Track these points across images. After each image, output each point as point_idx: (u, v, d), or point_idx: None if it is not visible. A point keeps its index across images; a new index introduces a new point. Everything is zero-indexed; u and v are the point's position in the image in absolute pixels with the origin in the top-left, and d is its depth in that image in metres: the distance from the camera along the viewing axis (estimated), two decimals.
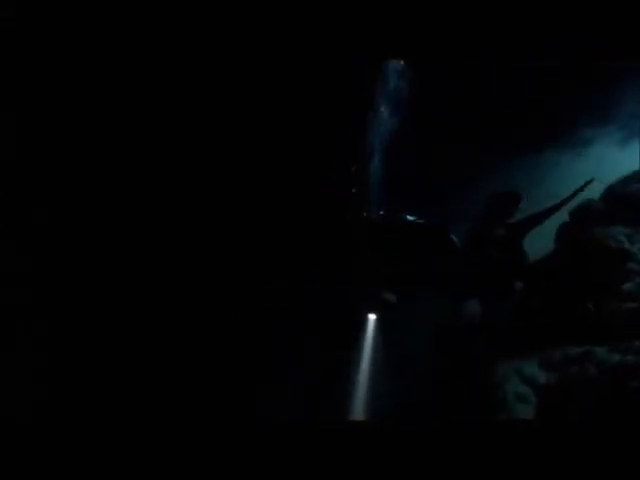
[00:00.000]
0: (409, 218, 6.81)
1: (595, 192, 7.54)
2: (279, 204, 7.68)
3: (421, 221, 6.82)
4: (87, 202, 7.14)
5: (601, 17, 5.71)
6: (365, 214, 6.63)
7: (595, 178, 7.13)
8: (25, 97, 6.72)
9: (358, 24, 5.99)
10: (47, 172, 6.94)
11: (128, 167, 7.26)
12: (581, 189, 7.05)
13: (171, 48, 7.20)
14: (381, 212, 6.72)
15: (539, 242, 7.37)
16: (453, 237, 6.87)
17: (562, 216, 7.50)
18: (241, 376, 7.15)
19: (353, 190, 6.61)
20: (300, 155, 7.69)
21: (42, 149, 6.90)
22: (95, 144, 7.17)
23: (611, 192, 7.54)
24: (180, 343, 7.13)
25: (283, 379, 7.13)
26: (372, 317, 7.05)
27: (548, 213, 7.15)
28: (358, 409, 6.92)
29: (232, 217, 7.59)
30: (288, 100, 7.51)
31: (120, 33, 7.05)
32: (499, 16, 5.88)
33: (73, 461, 5.13)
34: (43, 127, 6.88)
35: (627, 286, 6.50)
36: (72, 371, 6.55)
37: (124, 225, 7.22)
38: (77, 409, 6.11)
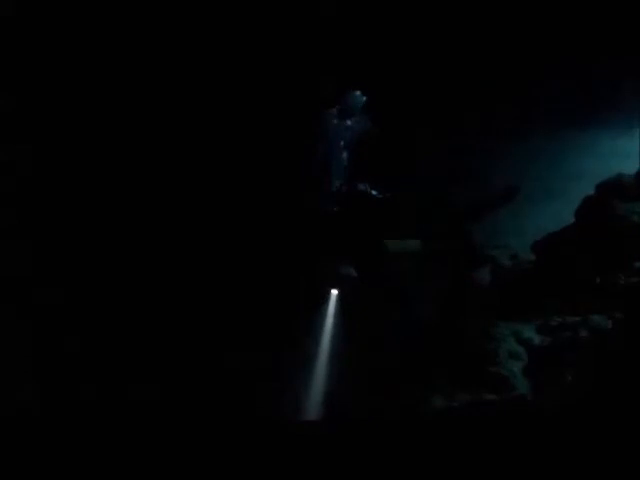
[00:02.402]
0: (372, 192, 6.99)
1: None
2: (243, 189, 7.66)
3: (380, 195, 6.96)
4: (87, 202, 7.15)
5: None
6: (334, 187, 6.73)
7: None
8: (25, 97, 6.75)
9: None
10: (47, 172, 6.95)
11: (125, 165, 7.25)
12: (507, 197, 7.18)
13: (171, 48, 7.24)
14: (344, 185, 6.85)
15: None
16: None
17: (589, 187, 7.33)
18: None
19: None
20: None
21: (42, 149, 6.92)
22: (95, 143, 7.17)
23: None
24: (180, 342, 7.08)
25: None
26: (334, 292, 7.33)
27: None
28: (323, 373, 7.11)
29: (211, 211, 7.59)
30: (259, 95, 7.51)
31: (120, 33, 7.09)
32: None
33: (73, 461, 5.10)
34: (43, 127, 6.90)
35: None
36: (71, 371, 6.52)
37: (123, 224, 7.21)
38: (76, 409, 6.07)
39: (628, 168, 7.22)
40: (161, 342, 6.95)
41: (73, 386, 6.39)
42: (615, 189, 7.16)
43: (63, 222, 6.97)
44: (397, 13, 7.38)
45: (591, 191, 7.32)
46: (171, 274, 7.28)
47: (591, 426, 4.10)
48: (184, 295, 7.26)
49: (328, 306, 7.32)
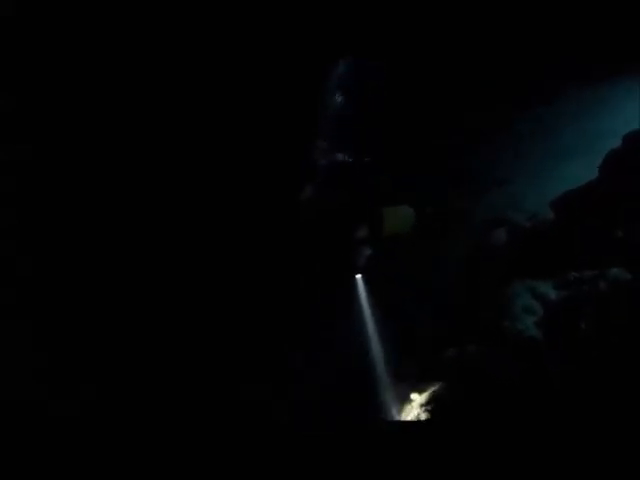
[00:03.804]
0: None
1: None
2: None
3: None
4: (87, 202, 7.14)
5: None
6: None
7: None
8: (25, 97, 6.74)
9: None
10: (47, 172, 6.94)
11: (126, 165, 7.24)
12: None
13: (171, 48, 7.24)
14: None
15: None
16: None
17: (615, 142, 7.20)
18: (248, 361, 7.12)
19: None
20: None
21: (42, 149, 6.91)
22: (95, 143, 7.17)
23: None
24: (180, 342, 7.07)
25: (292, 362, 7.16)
26: (359, 277, 7.08)
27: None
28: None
29: (217, 211, 7.57)
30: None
31: (120, 33, 7.08)
32: None
33: (73, 461, 5.10)
34: (43, 127, 6.89)
35: None
36: (72, 371, 6.51)
37: (123, 224, 7.20)
38: (76, 409, 6.07)
39: None
40: (164, 342, 6.96)
41: (73, 386, 6.39)
42: None
43: (63, 222, 6.97)
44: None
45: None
46: (179, 272, 7.26)
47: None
48: (196, 295, 7.25)
49: (358, 291, 7.10)
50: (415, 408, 6.74)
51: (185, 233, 7.41)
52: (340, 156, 6.69)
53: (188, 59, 7.26)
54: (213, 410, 6.45)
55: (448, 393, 6.48)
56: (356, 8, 7.22)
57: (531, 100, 8.08)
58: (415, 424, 5.84)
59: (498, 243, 7.80)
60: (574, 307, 6.08)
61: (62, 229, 6.93)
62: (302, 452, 4.91)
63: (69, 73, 7.00)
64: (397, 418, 6.67)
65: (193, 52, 7.23)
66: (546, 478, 3.72)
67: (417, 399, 6.83)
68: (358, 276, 7.08)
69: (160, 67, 7.20)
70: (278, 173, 7.32)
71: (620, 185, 6.80)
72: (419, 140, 7.94)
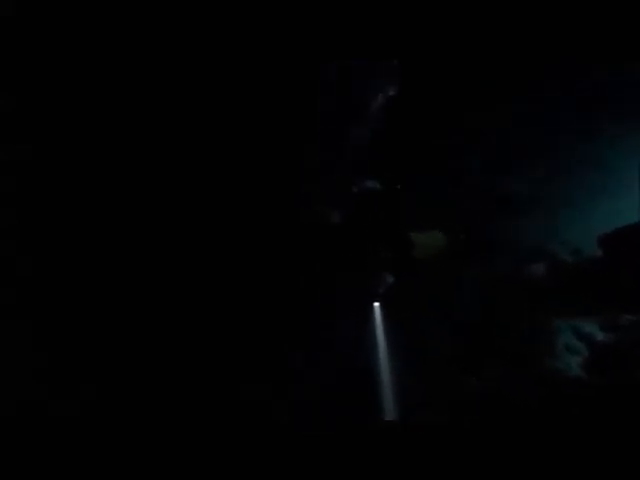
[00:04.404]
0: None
1: None
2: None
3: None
4: (87, 201, 7.14)
5: None
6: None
7: None
8: (25, 97, 6.75)
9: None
10: (47, 172, 6.95)
11: (126, 165, 7.24)
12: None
13: (171, 48, 7.23)
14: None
15: None
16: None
17: None
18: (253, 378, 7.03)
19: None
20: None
21: (42, 149, 6.91)
22: (95, 143, 7.17)
23: None
24: (180, 342, 7.07)
25: (299, 379, 6.92)
26: (376, 305, 6.81)
27: None
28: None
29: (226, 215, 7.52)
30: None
31: (120, 33, 7.09)
32: None
33: (73, 461, 5.11)
34: (43, 127, 6.89)
35: None
36: (72, 371, 6.51)
37: (124, 224, 7.20)
38: (76, 409, 6.07)
39: None
40: (164, 341, 6.95)
41: (73, 386, 6.39)
42: None
43: (63, 222, 6.97)
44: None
45: None
46: (179, 272, 7.25)
47: None
48: (196, 295, 7.23)
49: (375, 320, 6.88)
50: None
51: (188, 233, 7.41)
52: (370, 183, 6.61)
53: (189, 59, 7.26)
54: (213, 410, 6.45)
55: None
56: (356, 8, 7.23)
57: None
58: (416, 425, 5.81)
59: (536, 275, 7.33)
60: (625, 350, 5.80)
61: (62, 229, 6.93)
62: (302, 452, 4.91)
63: (69, 73, 7.01)
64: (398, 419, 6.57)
65: (194, 52, 7.22)
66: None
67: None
68: (376, 304, 6.84)
69: (159, 70, 7.21)
70: (305, 197, 7.18)
71: None
72: (444, 158, 7.70)
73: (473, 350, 6.68)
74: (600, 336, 6.11)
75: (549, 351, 6.08)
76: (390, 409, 6.61)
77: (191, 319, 7.16)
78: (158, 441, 5.40)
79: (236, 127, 7.51)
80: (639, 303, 6.18)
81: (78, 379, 6.45)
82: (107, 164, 7.22)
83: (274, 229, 7.27)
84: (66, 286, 6.83)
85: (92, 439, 5.41)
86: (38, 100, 6.83)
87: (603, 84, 7.54)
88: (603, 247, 7.09)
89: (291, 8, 7.06)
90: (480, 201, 7.76)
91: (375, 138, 6.80)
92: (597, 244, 7.14)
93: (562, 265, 7.27)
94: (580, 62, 7.50)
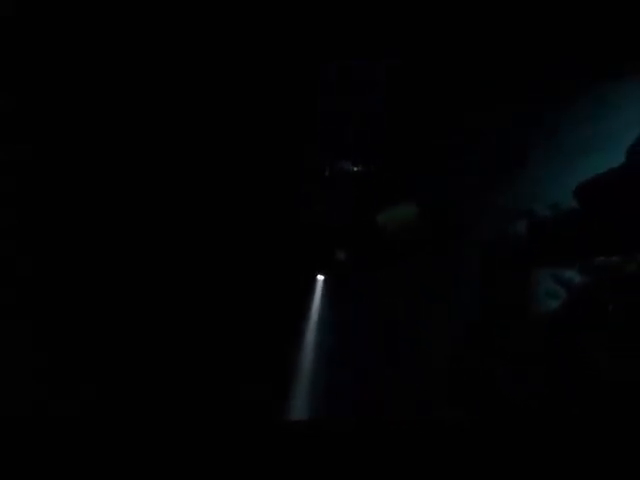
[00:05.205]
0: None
1: None
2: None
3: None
4: (87, 201, 7.15)
5: None
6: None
7: None
8: (25, 97, 6.75)
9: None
10: (47, 172, 6.95)
11: (126, 165, 7.25)
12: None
13: (171, 48, 7.24)
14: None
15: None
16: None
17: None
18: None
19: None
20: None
21: (42, 149, 6.92)
22: (95, 143, 7.18)
23: None
24: (180, 341, 7.08)
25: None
26: (320, 278, 6.54)
27: None
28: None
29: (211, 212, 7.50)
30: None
31: (121, 33, 7.09)
32: None
33: (73, 461, 5.10)
34: (43, 127, 6.90)
35: None
36: (72, 371, 6.52)
37: (124, 225, 7.21)
38: (76, 409, 6.07)
39: None
40: (163, 341, 6.96)
41: (73, 386, 6.40)
42: None
43: (63, 222, 6.98)
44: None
45: None
46: (179, 272, 7.25)
47: None
48: (196, 295, 7.21)
49: (313, 295, 6.62)
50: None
51: (188, 233, 7.41)
52: (345, 164, 6.51)
53: (189, 59, 7.27)
54: (213, 410, 6.46)
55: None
56: (356, 8, 7.23)
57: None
58: (416, 423, 5.80)
59: (520, 234, 7.37)
60: (601, 289, 5.94)
61: (62, 229, 6.94)
62: (302, 452, 4.91)
63: (69, 73, 7.01)
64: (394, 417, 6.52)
65: (195, 52, 7.23)
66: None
67: None
68: (320, 277, 6.51)
69: (159, 70, 7.21)
70: (278, 179, 7.24)
71: None
72: (444, 158, 7.65)
73: (470, 346, 6.61)
74: (578, 279, 6.29)
75: (532, 299, 6.30)
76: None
77: (191, 319, 7.17)
78: (158, 441, 5.39)
79: (236, 127, 7.52)
80: (613, 245, 6.30)
81: (78, 379, 6.46)
82: (107, 164, 7.24)
83: (274, 229, 7.29)
84: (66, 286, 6.84)
85: (92, 439, 5.40)
86: (38, 100, 6.84)
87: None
88: (578, 197, 7.14)
89: (291, 8, 7.06)
90: (480, 201, 7.82)
91: (375, 138, 6.82)
92: (573, 195, 7.15)
93: (542, 220, 7.33)
94: (580, 62, 7.54)
